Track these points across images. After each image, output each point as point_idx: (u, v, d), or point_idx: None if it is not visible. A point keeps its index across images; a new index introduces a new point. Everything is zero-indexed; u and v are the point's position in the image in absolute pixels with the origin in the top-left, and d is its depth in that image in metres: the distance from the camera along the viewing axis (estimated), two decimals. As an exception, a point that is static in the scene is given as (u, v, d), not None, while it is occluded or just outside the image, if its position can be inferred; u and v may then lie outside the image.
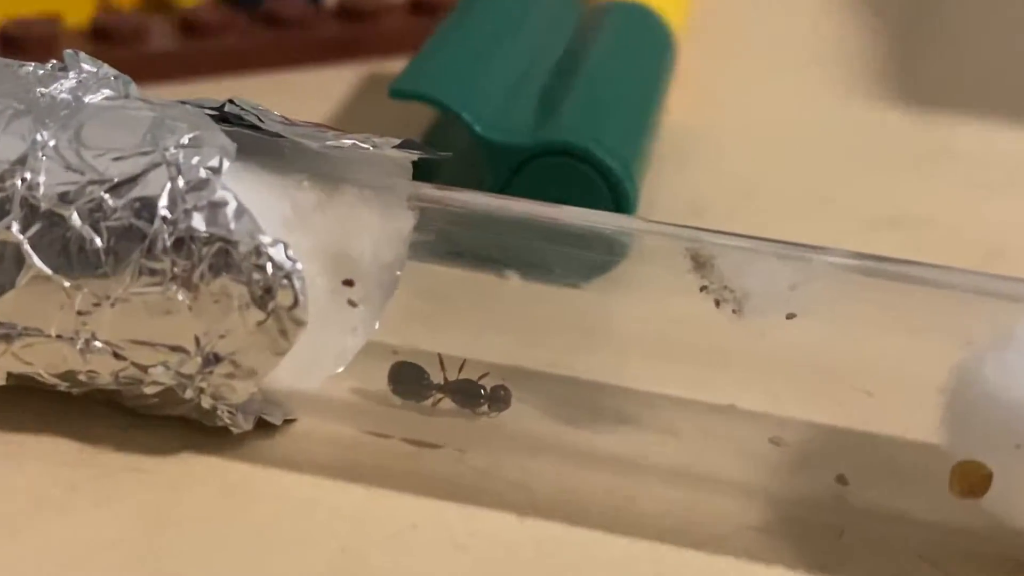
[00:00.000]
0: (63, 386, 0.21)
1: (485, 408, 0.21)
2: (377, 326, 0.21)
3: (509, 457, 0.21)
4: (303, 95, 0.33)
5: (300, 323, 0.20)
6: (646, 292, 0.21)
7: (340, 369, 0.21)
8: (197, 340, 0.20)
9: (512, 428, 0.21)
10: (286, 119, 0.21)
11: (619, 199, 0.25)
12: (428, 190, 0.21)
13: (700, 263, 0.21)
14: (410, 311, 0.22)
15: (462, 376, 0.21)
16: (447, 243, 0.21)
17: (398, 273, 0.21)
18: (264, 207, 0.20)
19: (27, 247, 0.20)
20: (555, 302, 0.22)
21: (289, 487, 0.21)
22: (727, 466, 0.21)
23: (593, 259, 0.21)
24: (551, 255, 0.21)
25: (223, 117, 0.21)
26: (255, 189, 0.20)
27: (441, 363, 0.21)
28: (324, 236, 0.21)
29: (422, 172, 0.22)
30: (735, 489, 0.21)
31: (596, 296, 0.21)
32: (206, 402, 0.21)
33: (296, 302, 0.20)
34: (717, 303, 0.20)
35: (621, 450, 0.21)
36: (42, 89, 0.21)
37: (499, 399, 0.21)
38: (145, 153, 0.20)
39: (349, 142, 0.21)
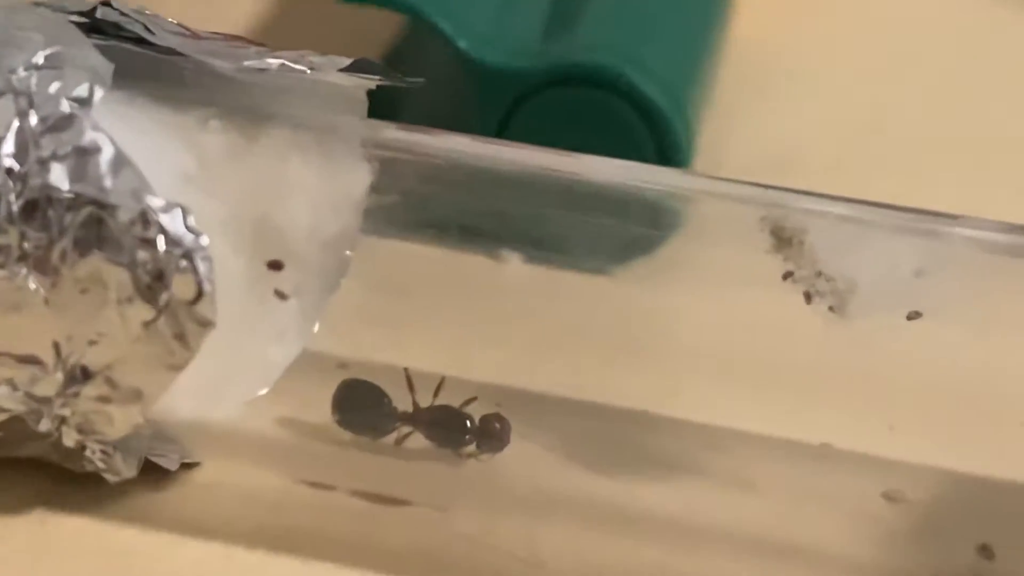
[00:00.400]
0: None
1: (473, 447, 0.21)
2: (317, 329, 0.22)
3: (508, 518, 0.21)
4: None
5: (205, 324, 0.20)
6: (706, 281, 0.22)
7: (264, 391, 0.22)
8: (57, 348, 0.20)
9: (512, 476, 0.21)
10: (186, 29, 0.22)
11: (666, 146, 0.25)
12: (391, 132, 0.22)
13: (784, 239, 0.21)
14: (365, 308, 0.22)
15: (439, 402, 0.21)
16: (419, 210, 0.22)
17: (347, 253, 0.22)
18: (155, 156, 0.20)
19: None
20: (574, 296, 0.22)
21: (190, 561, 0.21)
22: (824, 531, 0.21)
23: (630, 233, 0.22)
24: (568, 227, 0.22)
25: (95, 26, 0.21)
26: (142, 130, 0.21)
27: (409, 383, 0.21)
28: (241, 198, 0.21)
29: (382, 107, 0.22)
30: (835, 563, 0.21)
31: (634, 287, 0.22)
32: (70, 438, 0.21)
33: (200, 294, 0.20)
34: (808, 297, 0.21)
35: (672, 508, 0.21)
36: None
37: (492, 435, 0.21)
38: (-19, 78, 0.20)
39: (277, 63, 0.21)
